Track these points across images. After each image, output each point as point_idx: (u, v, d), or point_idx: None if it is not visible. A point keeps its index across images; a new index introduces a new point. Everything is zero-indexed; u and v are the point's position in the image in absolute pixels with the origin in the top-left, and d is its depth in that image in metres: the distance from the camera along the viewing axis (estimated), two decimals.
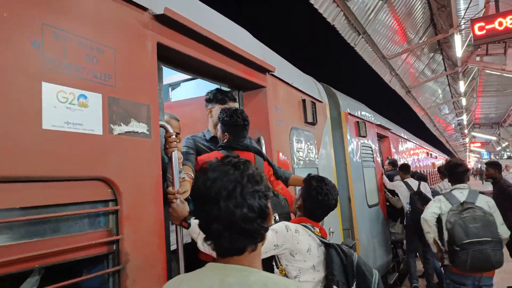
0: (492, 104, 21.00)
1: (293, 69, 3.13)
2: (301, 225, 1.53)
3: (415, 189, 4.55)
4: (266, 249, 1.36)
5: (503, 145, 28.33)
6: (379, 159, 5.10)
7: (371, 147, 4.62)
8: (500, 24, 7.34)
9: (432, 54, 13.25)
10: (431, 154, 12.43)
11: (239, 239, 0.76)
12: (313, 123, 3.00)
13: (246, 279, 0.75)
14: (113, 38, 1.27)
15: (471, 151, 42.36)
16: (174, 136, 1.51)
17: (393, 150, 6.16)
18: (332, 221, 2.92)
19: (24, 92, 0.99)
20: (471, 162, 47.45)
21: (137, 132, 1.30)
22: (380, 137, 5.69)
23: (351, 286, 1.42)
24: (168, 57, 1.62)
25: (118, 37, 1.29)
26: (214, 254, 0.86)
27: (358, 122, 4.20)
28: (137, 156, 1.29)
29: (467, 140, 33.44)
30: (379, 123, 5.38)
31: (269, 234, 1.34)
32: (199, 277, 0.81)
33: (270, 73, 2.37)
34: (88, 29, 1.19)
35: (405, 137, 7.98)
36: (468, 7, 8.92)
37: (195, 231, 1.38)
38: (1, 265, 0.90)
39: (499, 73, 10.02)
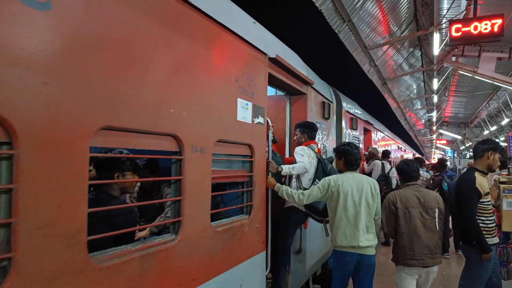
0: (462, 104, 24.23)
1: (319, 80, 4.75)
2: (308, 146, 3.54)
3: (386, 171, 6.68)
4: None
5: (467, 144, 33.49)
6: (362, 147, 7.21)
7: (358, 138, 6.72)
8: (475, 28, 9.04)
9: (412, 49, 15.12)
10: (401, 148, 15.76)
11: None
12: (327, 118, 4.69)
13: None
14: (253, 71, 2.76)
15: (437, 147, 48.88)
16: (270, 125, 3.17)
17: (373, 141, 8.45)
18: None
19: (231, 103, 2.44)
20: (435, 158, 54.56)
21: (260, 122, 2.83)
22: (365, 130, 7.81)
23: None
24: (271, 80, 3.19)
25: (255, 71, 2.80)
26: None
27: (352, 118, 6.13)
28: (260, 134, 2.83)
29: (434, 136, 38.48)
30: (366, 119, 7.51)
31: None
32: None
33: (310, 85, 4.04)
34: (244, 68, 2.62)
35: (384, 131, 10.64)
36: (450, 7, 10.18)
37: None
38: None
39: (470, 75, 11.69)
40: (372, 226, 2.98)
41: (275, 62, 3.05)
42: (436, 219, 3.03)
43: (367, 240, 2.89)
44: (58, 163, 1.27)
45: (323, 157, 4.01)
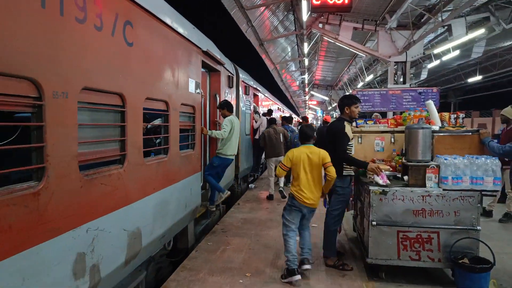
0: (329, 69, 29.58)
1: (227, 60, 7.19)
2: None
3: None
4: None
5: (333, 105, 42.63)
6: (252, 107, 10.48)
7: (249, 101, 9.78)
8: None
9: (286, 13, 18.74)
10: (280, 108, 20.55)
11: None
12: (231, 87, 7.34)
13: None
14: (196, 60, 5.09)
15: (309, 108, 59.51)
16: (202, 94, 5.65)
17: (260, 102, 11.94)
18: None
19: (187, 81, 4.76)
20: (309, 117, 66.71)
21: (198, 92, 5.28)
22: (254, 95, 11.05)
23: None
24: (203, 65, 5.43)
25: (196, 60, 5.12)
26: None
27: (246, 86, 9.01)
28: (199, 99, 5.34)
29: (307, 97, 46.89)
30: (255, 87, 10.73)
31: None
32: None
33: (222, 65, 6.52)
34: (191, 59, 5.03)
35: (266, 95, 14.44)
36: None
37: None
38: None
39: (332, 41, 14.86)
40: None
41: (206, 53, 5.41)
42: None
43: None
44: None
45: None
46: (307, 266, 4.46)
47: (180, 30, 4.45)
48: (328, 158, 4.38)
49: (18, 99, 2.11)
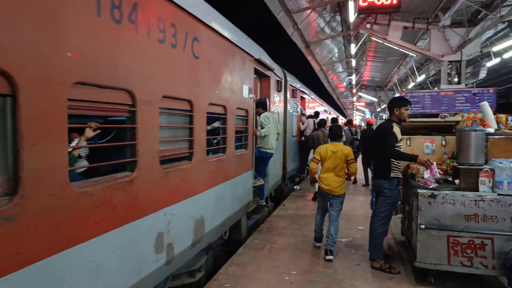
0: (378, 69, 28.74)
1: (276, 65, 7.74)
2: None
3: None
4: None
5: (382, 106, 41.65)
6: (299, 110, 10.91)
7: (296, 103, 10.21)
8: None
9: (333, 14, 18.78)
10: (326, 110, 20.82)
11: None
12: (279, 91, 7.85)
13: None
14: (249, 68, 5.65)
15: (357, 109, 58.50)
16: (254, 98, 6.25)
17: (307, 105, 12.43)
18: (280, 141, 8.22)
19: (241, 87, 5.40)
20: (357, 119, 65.77)
21: (251, 97, 5.85)
22: (301, 98, 11.51)
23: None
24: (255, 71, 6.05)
25: (249, 68, 5.71)
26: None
27: (293, 89, 9.47)
28: (251, 103, 5.99)
29: (354, 99, 46.17)
30: (302, 89, 11.18)
31: None
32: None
33: (272, 71, 7.06)
34: (244, 67, 5.59)
35: (314, 98, 14.87)
36: None
37: None
38: None
39: (381, 41, 14.61)
40: None
41: (258, 61, 5.96)
42: None
43: None
44: None
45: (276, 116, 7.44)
46: (329, 257, 5.08)
47: (236, 42, 4.99)
48: (351, 156, 5.20)
49: (119, 106, 2.72)
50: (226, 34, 4.61)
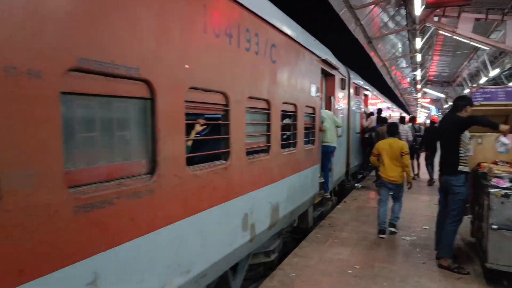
0: (445, 64, 26.38)
1: (341, 64, 8.11)
2: None
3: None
4: None
5: (449, 103, 39.36)
6: (362, 107, 11.12)
7: (360, 100, 10.43)
8: None
9: (398, 8, 18.34)
10: (389, 107, 20.52)
11: None
12: (343, 89, 8.19)
13: None
14: (316, 68, 6.12)
15: (422, 106, 55.69)
16: (320, 96, 6.73)
17: (369, 102, 12.58)
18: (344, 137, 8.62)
19: (308, 87, 5.82)
20: (421, 116, 62.49)
21: (317, 95, 6.26)
22: (364, 95, 11.71)
23: None
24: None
25: (317, 68, 6.17)
26: None
27: (356, 87, 9.72)
28: (318, 101, 6.37)
29: (419, 95, 44.10)
30: (365, 86, 11.33)
31: None
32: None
33: (337, 70, 7.47)
34: (312, 68, 6.06)
35: (376, 94, 15.01)
36: None
37: None
38: None
39: (450, 35, 14.29)
40: None
41: (324, 61, 6.38)
42: None
43: None
44: None
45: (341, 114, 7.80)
46: (392, 229, 6.24)
47: (306, 45, 5.45)
48: (405, 148, 5.96)
49: (216, 106, 3.32)
50: (297, 38, 5.09)
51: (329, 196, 7.31)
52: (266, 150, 4.35)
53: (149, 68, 2.42)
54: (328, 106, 7.54)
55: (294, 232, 6.14)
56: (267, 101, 4.26)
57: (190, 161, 2.97)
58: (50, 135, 1.81)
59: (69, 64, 1.89)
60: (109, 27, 2.12)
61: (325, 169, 6.99)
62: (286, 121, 5.40)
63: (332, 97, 7.54)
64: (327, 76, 7.40)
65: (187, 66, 2.79)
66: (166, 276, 2.64)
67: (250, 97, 3.81)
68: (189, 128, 3.21)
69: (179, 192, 2.75)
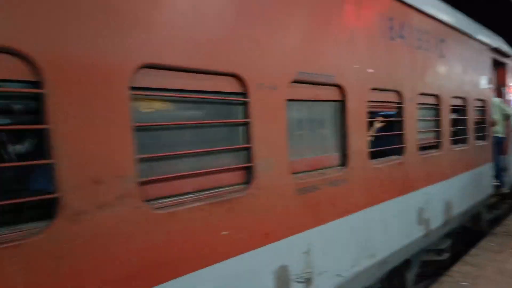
0: None
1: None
2: None
3: None
4: None
5: None
6: None
7: None
8: None
9: None
10: None
11: None
12: None
13: None
14: (486, 61, 5.67)
15: None
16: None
17: None
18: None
19: (482, 78, 5.47)
20: None
21: (489, 86, 5.82)
22: None
23: None
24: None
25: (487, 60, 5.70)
26: None
27: None
28: (489, 93, 5.96)
29: None
30: None
31: None
32: None
33: (509, 57, 6.68)
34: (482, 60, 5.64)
35: None
36: None
37: None
38: None
39: None
40: None
41: (495, 50, 5.88)
42: None
43: None
44: None
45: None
46: None
47: (474, 35, 5.16)
48: None
49: (391, 104, 3.54)
50: (465, 29, 4.88)
51: (508, 190, 6.59)
52: (437, 146, 4.34)
53: (341, 75, 2.84)
54: (500, 98, 6.83)
55: (464, 234, 5.79)
56: (437, 96, 4.26)
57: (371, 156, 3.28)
58: (282, 132, 2.38)
59: (292, 78, 2.44)
60: (323, 45, 2.63)
61: (498, 165, 6.37)
62: (456, 115, 5.21)
63: (502, 89, 6.81)
64: (497, 65, 6.73)
65: (370, 71, 3.13)
66: (356, 256, 3.01)
67: (421, 94, 3.91)
68: (369, 125, 3.52)
69: (365, 183, 3.09)
